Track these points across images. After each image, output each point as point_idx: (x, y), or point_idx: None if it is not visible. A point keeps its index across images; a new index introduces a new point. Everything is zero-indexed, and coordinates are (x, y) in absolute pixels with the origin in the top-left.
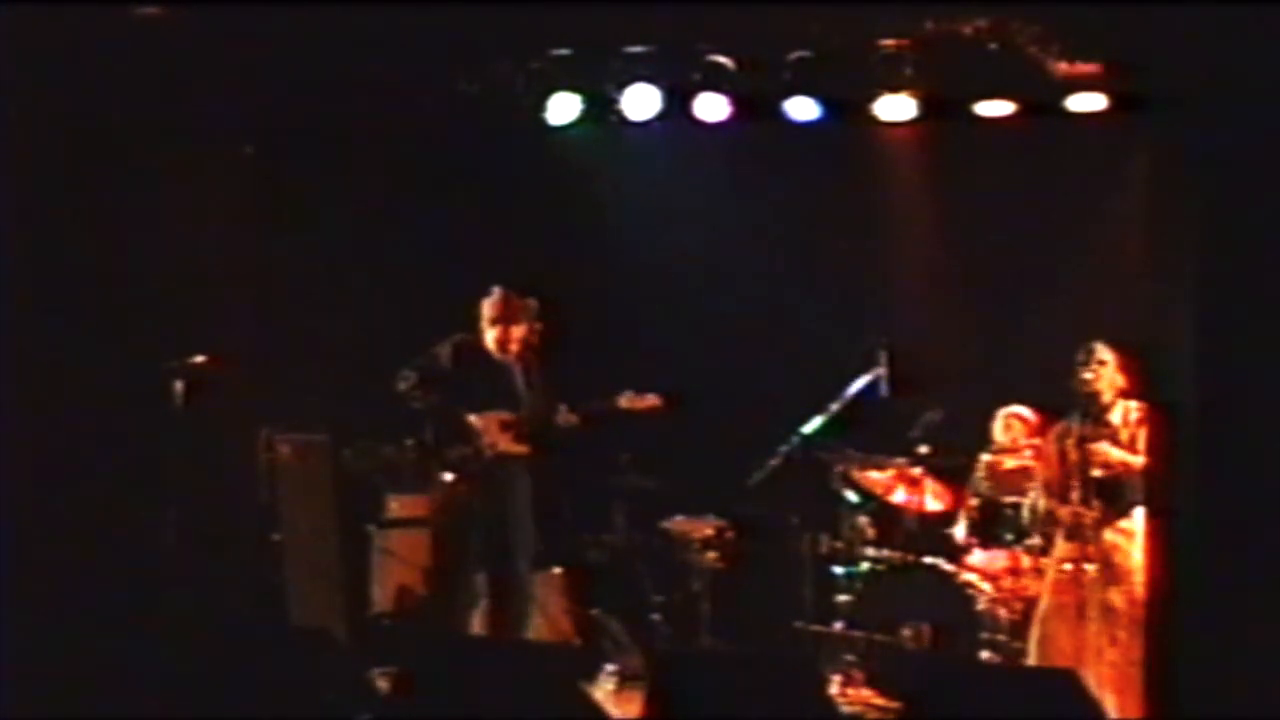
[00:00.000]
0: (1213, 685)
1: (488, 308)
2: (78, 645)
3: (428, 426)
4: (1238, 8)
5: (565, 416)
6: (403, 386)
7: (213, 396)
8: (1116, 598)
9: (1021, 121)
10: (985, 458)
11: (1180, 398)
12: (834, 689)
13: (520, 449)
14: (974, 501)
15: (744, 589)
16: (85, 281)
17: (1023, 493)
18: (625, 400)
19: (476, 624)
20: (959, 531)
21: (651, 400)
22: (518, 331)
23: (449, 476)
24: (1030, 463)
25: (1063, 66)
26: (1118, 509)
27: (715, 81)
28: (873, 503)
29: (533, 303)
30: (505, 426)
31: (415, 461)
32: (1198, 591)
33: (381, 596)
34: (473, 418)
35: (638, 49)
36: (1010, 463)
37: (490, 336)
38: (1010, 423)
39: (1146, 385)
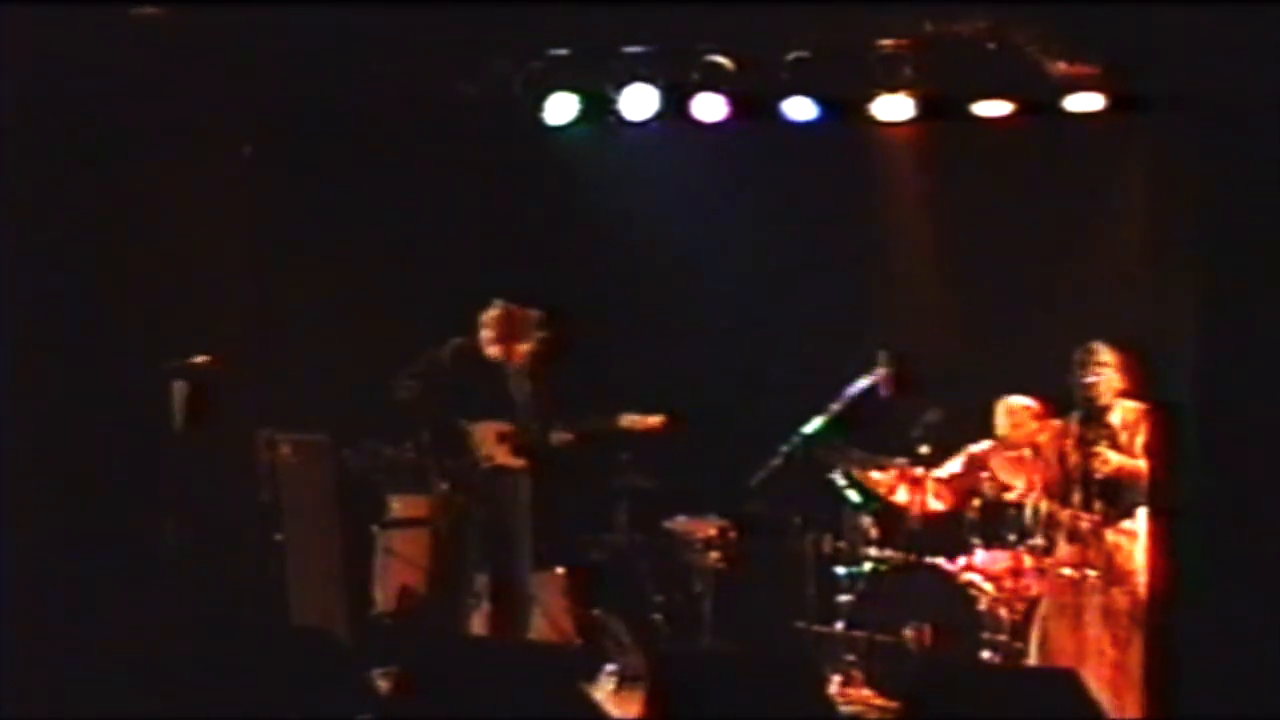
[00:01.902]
0: (1213, 685)
1: (489, 323)
2: (78, 645)
3: (424, 433)
4: (1238, 8)
5: (561, 436)
6: (404, 394)
7: (213, 396)
8: (1118, 599)
9: (1020, 122)
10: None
11: (1180, 398)
12: (834, 689)
13: (517, 462)
14: (975, 501)
15: (745, 589)
16: (85, 282)
17: (1024, 492)
18: (627, 420)
19: (476, 626)
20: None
21: (653, 421)
22: (522, 346)
23: (445, 485)
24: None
25: (1061, 67)
26: (1118, 510)
27: (713, 81)
28: (875, 503)
29: (535, 314)
30: (502, 438)
31: (413, 465)
32: (1199, 592)
33: (383, 597)
34: (470, 428)
35: (636, 49)
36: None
37: (493, 351)
38: (1015, 412)
39: (1146, 385)
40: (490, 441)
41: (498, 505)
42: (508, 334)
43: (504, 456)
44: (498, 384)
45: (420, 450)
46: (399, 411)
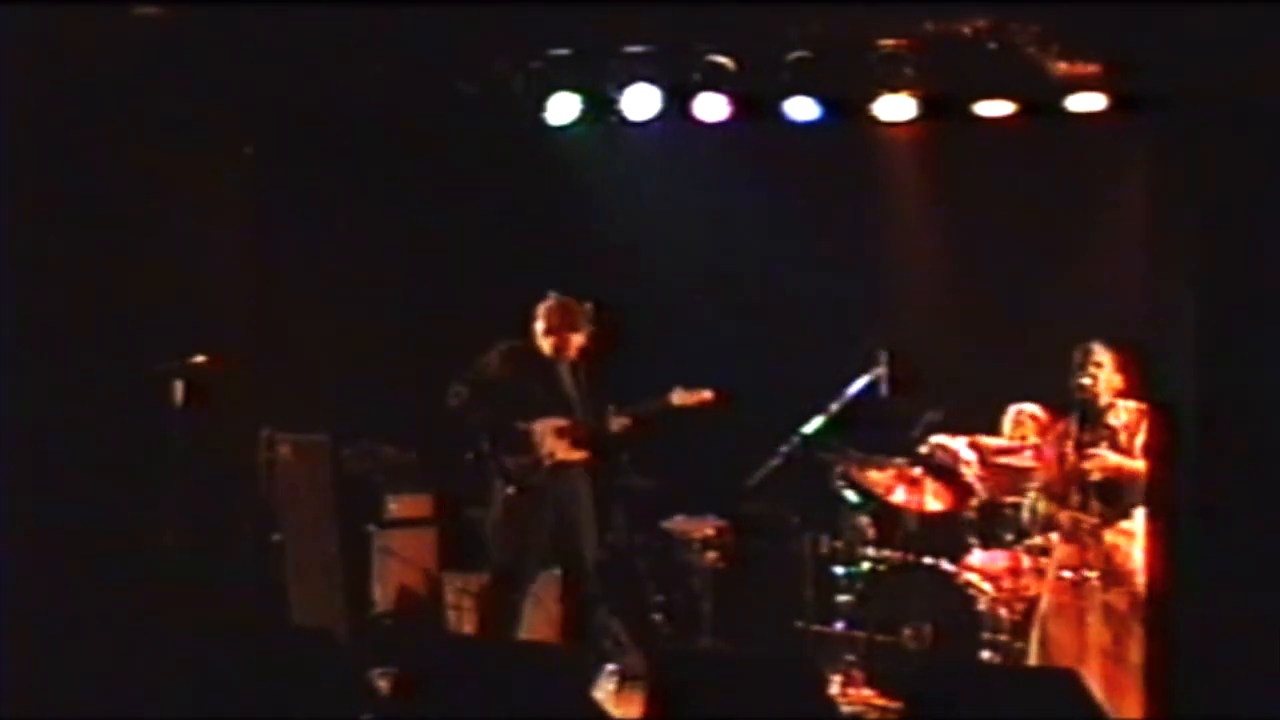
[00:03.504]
0: (1213, 685)
1: (544, 314)
2: (78, 645)
3: (483, 439)
4: (1238, 8)
5: (618, 420)
6: (454, 402)
7: (213, 396)
8: (1117, 599)
9: (1021, 121)
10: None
11: (1180, 398)
12: (835, 689)
13: (578, 455)
14: (974, 501)
15: (744, 589)
16: (85, 281)
17: (1023, 492)
18: (678, 397)
19: (534, 630)
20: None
21: (704, 395)
22: (576, 339)
23: (510, 490)
24: (1031, 463)
25: (1062, 66)
26: (1117, 511)
27: (715, 81)
28: (873, 503)
29: (588, 307)
30: (561, 433)
31: (414, 466)
32: (1198, 592)
33: (382, 597)
34: (530, 427)
35: (637, 49)
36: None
37: (547, 344)
38: (1020, 420)
39: (1145, 386)
40: (550, 438)
41: (564, 501)
42: (562, 325)
43: (564, 451)
44: (548, 380)
45: (479, 456)
46: (453, 419)
